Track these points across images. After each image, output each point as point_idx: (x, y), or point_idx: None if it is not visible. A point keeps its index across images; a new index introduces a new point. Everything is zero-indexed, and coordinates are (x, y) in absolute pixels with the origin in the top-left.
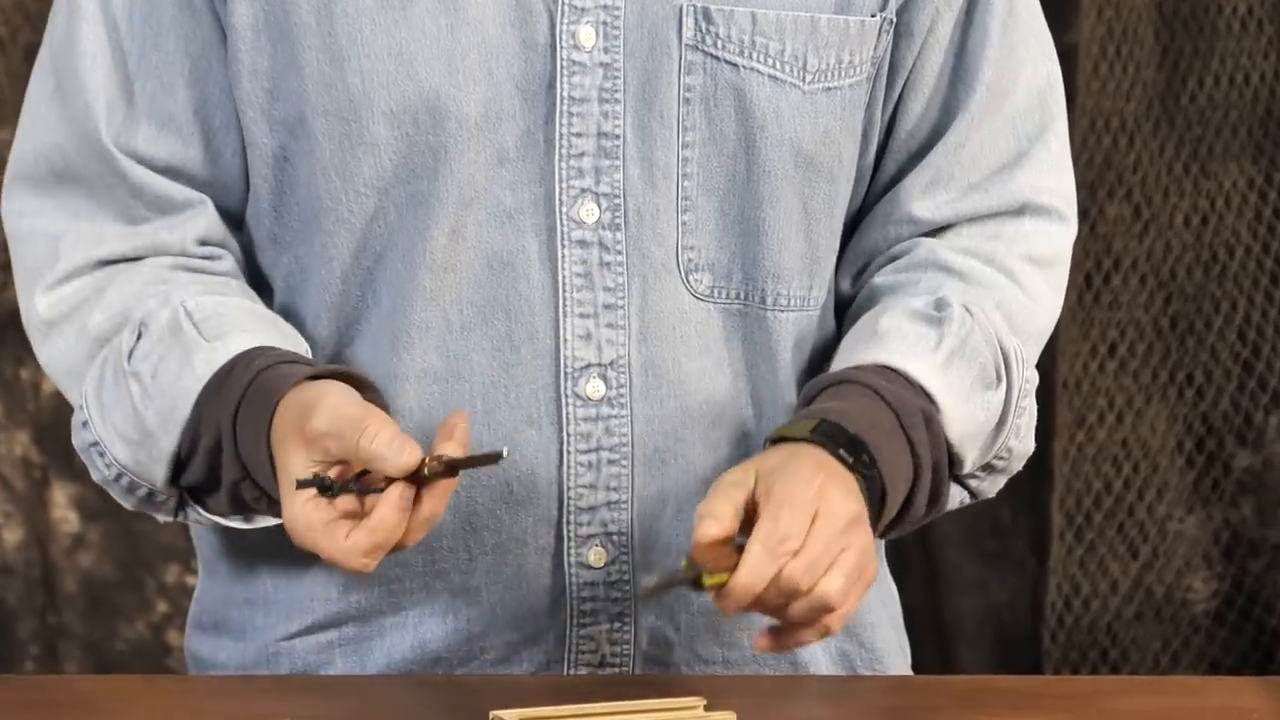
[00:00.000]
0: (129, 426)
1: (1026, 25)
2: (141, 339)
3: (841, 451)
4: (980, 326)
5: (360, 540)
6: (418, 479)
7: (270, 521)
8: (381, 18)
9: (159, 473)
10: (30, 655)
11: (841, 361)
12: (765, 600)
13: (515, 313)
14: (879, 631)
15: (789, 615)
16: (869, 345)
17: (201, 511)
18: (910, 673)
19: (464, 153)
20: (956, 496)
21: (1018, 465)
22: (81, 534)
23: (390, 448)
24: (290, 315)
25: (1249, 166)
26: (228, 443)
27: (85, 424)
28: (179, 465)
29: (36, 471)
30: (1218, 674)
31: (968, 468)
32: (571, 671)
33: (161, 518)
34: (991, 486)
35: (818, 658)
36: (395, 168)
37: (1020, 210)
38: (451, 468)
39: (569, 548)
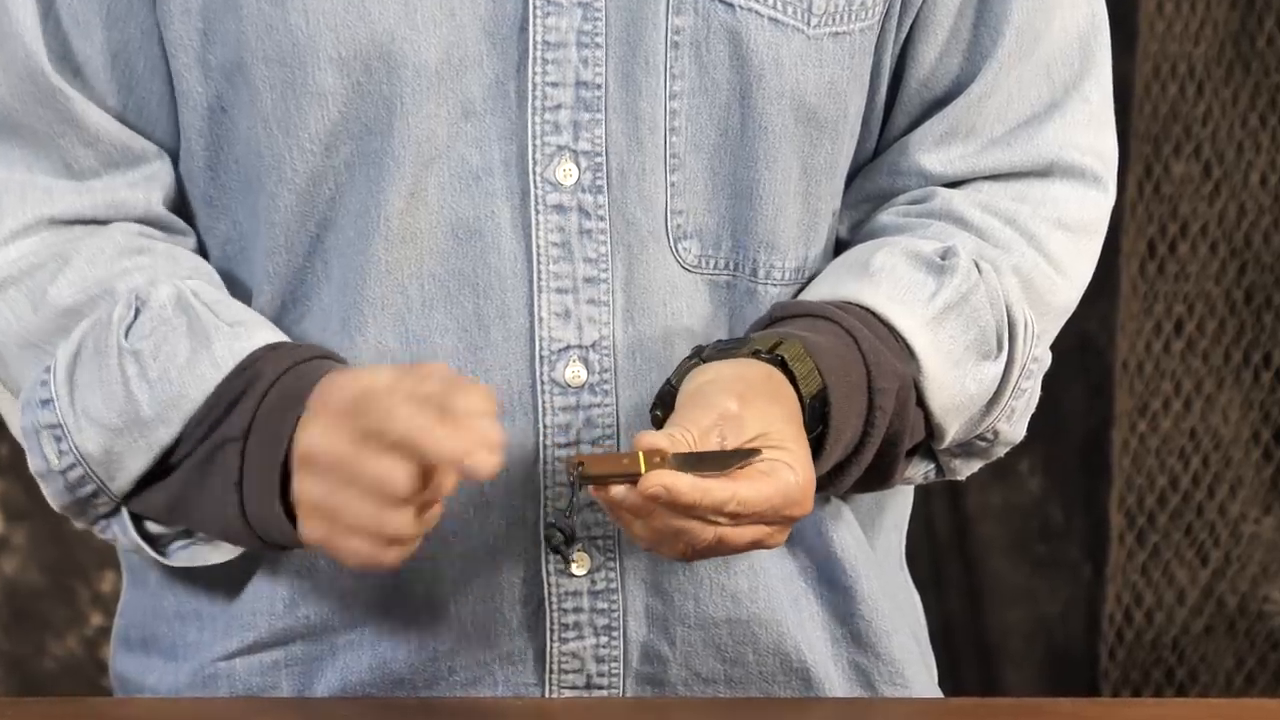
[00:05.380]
0: (111, 412)
1: None
2: (141, 315)
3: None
4: (988, 286)
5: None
6: None
7: (188, 558)
8: None
9: (133, 466)
10: None
11: (820, 289)
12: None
13: (484, 288)
14: (895, 640)
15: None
16: (856, 280)
17: (128, 523)
18: (936, 688)
19: (422, 105)
20: (920, 470)
21: (1000, 451)
22: (4, 536)
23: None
24: (229, 288)
25: None
26: (255, 390)
27: (47, 403)
28: (163, 459)
29: None
30: None
31: (945, 443)
32: (553, 693)
33: (82, 524)
34: (965, 468)
35: (829, 672)
36: (344, 121)
37: (1048, 171)
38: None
39: (548, 554)
